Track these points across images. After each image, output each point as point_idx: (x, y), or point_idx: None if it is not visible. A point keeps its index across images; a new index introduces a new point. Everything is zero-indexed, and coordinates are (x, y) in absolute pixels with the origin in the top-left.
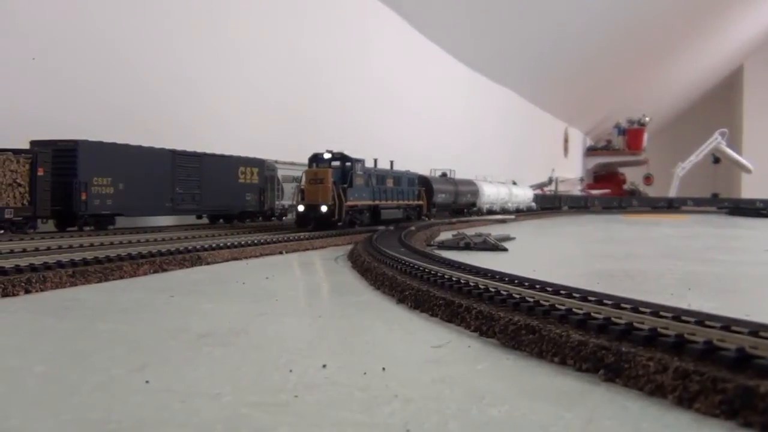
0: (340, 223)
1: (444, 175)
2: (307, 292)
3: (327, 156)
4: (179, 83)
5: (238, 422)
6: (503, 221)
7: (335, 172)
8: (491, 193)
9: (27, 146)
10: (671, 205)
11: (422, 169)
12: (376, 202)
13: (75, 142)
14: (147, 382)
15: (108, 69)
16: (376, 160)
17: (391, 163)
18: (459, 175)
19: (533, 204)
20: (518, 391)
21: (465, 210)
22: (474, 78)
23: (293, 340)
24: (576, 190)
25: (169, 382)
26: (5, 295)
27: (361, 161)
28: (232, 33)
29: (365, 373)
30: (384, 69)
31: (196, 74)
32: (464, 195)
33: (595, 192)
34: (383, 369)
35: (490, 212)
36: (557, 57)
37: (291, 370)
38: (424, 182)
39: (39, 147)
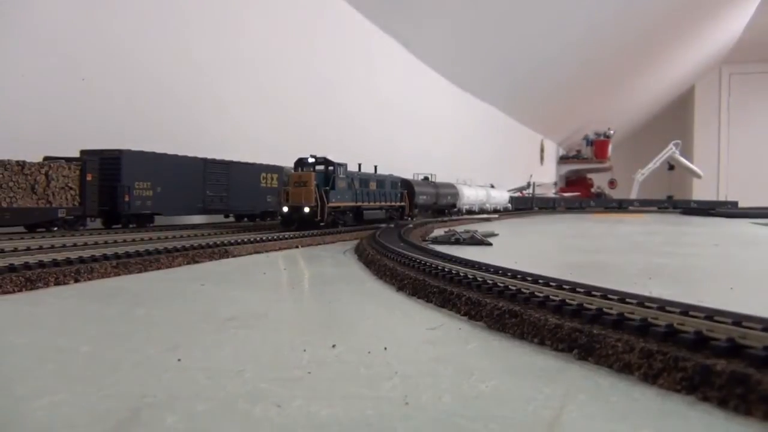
0: (322, 224)
1: (426, 178)
2: (318, 281)
3: (311, 160)
4: (207, 100)
5: (259, 396)
6: (488, 219)
7: (318, 175)
8: (470, 195)
9: (77, 155)
10: (620, 206)
11: (415, 173)
12: (359, 204)
13: (119, 151)
14: (179, 360)
15: (146, 88)
16: (360, 165)
17: (375, 167)
18: (445, 178)
19: (509, 205)
20: (503, 369)
21: (446, 210)
22: (462, 96)
23: (307, 323)
24: (551, 193)
25: (198, 360)
26: (57, 283)
27: (343, 165)
28: (253, 54)
29: (369, 353)
30: (385, 88)
31: (222, 92)
32: (444, 197)
33: (567, 195)
34: (385, 349)
35: (470, 212)
36: (534, 78)
37: (305, 350)
38: (407, 185)
39: (88, 156)
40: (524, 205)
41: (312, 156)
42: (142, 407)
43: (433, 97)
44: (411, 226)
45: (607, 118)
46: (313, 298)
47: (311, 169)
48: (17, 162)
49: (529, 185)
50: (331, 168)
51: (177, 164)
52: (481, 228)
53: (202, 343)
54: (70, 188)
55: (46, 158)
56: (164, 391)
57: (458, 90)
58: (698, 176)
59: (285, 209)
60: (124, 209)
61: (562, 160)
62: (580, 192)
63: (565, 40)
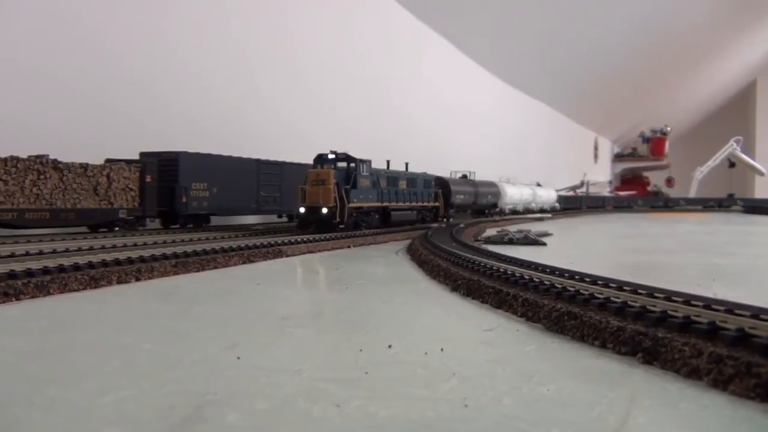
0: (342, 226)
1: (464, 176)
2: (372, 280)
3: (331, 156)
4: (260, 103)
5: (317, 395)
6: (541, 219)
7: (338, 173)
8: (514, 194)
9: (137, 157)
10: (667, 205)
11: (452, 171)
12: (385, 204)
13: (177, 154)
14: (238, 358)
15: (202, 96)
16: (388, 162)
17: (406, 164)
18: (494, 178)
19: (557, 204)
20: (564, 372)
21: (486, 211)
22: (511, 92)
23: (362, 323)
24: (605, 192)
25: (256, 359)
26: (119, 282)
27: (367, 162)
28: (304, 56)
29: (426, 353)
30: (433, 86)
31: (272, 92)
32: (484, 196)
33: (622, 193)
34: (442, 349)
35: (514, 213)
36: (587, 74)
37: (361, 350)
38: (441, 184)
39: (147, 158)
40: (573, 204)
41: (332, 152)
42: (204, 404)
43: (480, 94)
44: (462, 226)
45: (663, 115)
46: (367, 297)
47: (331, 166)
48: (80, 164)
49: (582, 184)
50: (352, 165)
51: (231, 165)
52: (533, 227)
53: (260, 341)
54: (131, 189)
55: (107, 160)
56: (225, 389)
57: (507, 86)
58: (761, 174)
59: (301, 210)
60: (182, 210)
61: (617, 158)
62: (636, 191)
63: (619, 33)
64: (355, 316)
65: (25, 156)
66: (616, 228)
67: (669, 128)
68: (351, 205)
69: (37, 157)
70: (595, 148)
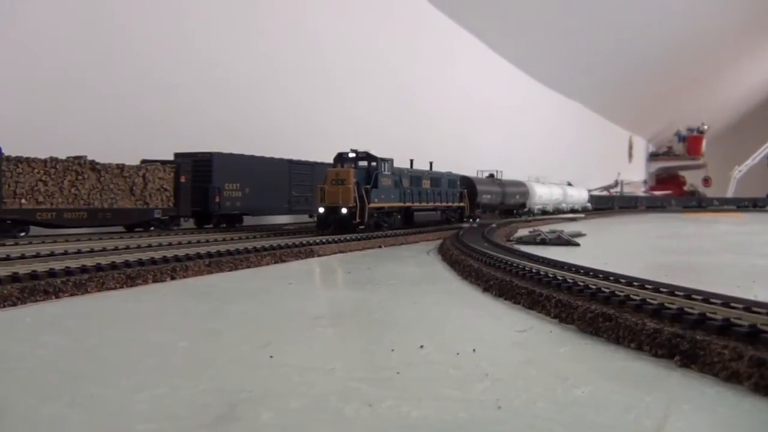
0: (362, 227)
1: (491, 176)
2: (403, 280)
3: (351, 155)
4: (283, 101)
5: (349, 394)
6: (573, 219)
7: (359, 172)
8: (543, 193)
9: (172, 158)
10: (700, 205)
11: (479, 170)
12: (408, 204)
13: (210, 154)
14: (271, 357)
15: (235, 98)
16: (412, 161)
17: (430, 164)
18: (523, 177)
19: (588, 204)
20: (599, 374)
21: (514, 211)
22: (546, 92)
23: (393, 323)
24: (640, 192)
25: (289, 357)
26: (155, 281)
27: (388, 161)
28: (332, 57)
29: (458, 354)
30: (462, 85)
31: (301, 93)
32: (512, 196)
33: (657, 193)
34: (474, 350)
35: (544, 213)
36: (622, 72)
37: (393, 350)
38: (467, 183)
39: (181, 158)
40: (605, 204)
41: (353, 150)
42: (238, 402)
43: (511, 93)
44: (494, 226)
45: (700, 113)
46: (399, 297)
47: (351, 165)
48: (117, 165)
49: (616, 183)
50: (373, 164)
51: (264, 166)
52: (566, 228)
53: (292, 340)
54: (165, 190)
55: (143, 161)
56: (259, 387)
57: (539, 85)
58: None
59: (320, 210)
60: (215, 210)
61: (652, 157)
62: (671, 190)
63: (655, 30)
64: (386, 316)
65: (64, 157)
66: (651, 228)
67: (706, 126)
68: (372, 205)
69: (76, 158)
70: (630, 147)
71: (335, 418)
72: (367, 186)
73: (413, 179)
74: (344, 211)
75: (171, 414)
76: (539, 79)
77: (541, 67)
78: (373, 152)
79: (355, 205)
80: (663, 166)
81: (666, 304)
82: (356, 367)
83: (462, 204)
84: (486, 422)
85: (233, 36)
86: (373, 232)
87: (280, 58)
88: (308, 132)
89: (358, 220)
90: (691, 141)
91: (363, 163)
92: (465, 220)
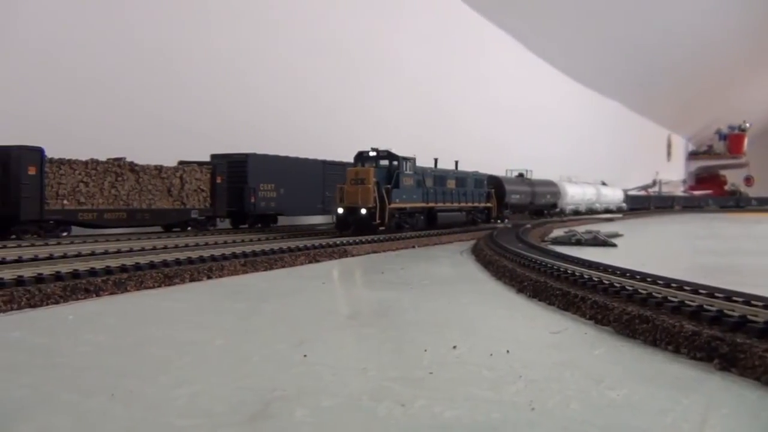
0: (382, 228)
1: (521, 175)
2: (436, 280)
3: (372, 154)
4: (318, 105)
5: (382, 394)
6: (610, 219)
7: (379, 171)
8: (575, 193)
9: (208, 159)
10: (738, 204)
11: (508, 169)
12: (431, 204)
13: (245, 155)
14: (305, 356)
15: (267, 100)
16: (436, 160)
17: (456, 163)
18: (556, 177)
19: (623, 204)
20: (635, 376)
21: (545, 211)
22: (581, 91)
23: (426, 323)
24: (679, 191)
25: (322, 356)
26: (192, 280)
27: (411, 160)
28: (362, 60)
29: (491, 355)
30: (495, 85)
31: (336, 94)
32: (542, 196)
33: (697, 193)
34: (507, 351)
35: (576, 213)
36: (661, 69)
37: (426, 350)
38: (495, 183)
39: (217, 159)
40: (641, 204)
41: (373, 149)
42: (272, 400)
43: (545, 92)
44: (529, 226)
45: (742, 110)
46: (432, 298)
47: (372, 164)
48: (155, 166)
49: (654, 183)
50: (395, 163)
51: (298, 166)
52: (602, 228)
53: (326, 339)
54: (202, 190)
55: (180, 162)
56: (292, 386)
57: (575, 83)
58: None
59: (339, 210)
60: (251, 210)
61: (692, 156)
62: (711, 190)
63: (695, 26)
64: (419, 316)
65: (104, 159)
66: (689, 228)
67: (748, 124)
68: (392, 205)
69: (115, 159)
70: (668, 146)
71: (368, 417)
72: (388, 186)
73: (437, 179)
74: (363, 211)
75: (208, 410)
76: (575, 77)
77: (577, 64)
78: (394, 151)
79: (375, 206)
80: (703, 165)
81: (705, 306)
82: (389, 366)
83: (489, 204)
84: (519, 424)
85: (268, 43)
86: (405, 232)
87: (311, 59)
88: (338, 132)
89: (378, 221)
90: (733, 139)
91: (384, 162)
92: (492, 221)
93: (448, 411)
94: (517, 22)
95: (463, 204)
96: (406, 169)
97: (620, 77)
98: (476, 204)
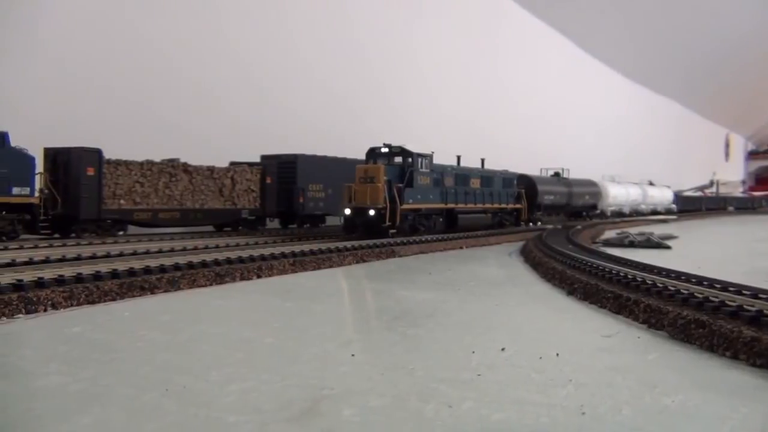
0: (393, 231)
1: (556, 174)
2: (484, 282)
3: (384, 150)
4: (369, 104)
5: (429, 395)
6: (664, 221)
7: (390, 169)
8: (618, 194)
9: (258, 160)
10: None
11: (542, 168)
12: (451, 206)
13: (295, 156)
14: (353, 355)
15: (318, 100)
16: (459, 157)
17: (482, 160)
18: (607, 177)
19: (673, 206)
20: (690, 382)
21: (584, 213)
22: (634, 88)
23: (474, 325)
24: (738, 192)
25: (370, 356)
26: (242, 279)
27: (427, 157)
28: (413, 59)
29: (540, 358)
30: (548, 86)
31: (392, 92)
32: (580, 197)
33: (757, 194)
34: (557, 354)
35: (620, 215)
36: (719, 68)
37: (473, 351)
38: (527, 183)
39: (267, 160)
40: (692, 205)
41: (386, 145)
42: (321, 398)
43: (593, 89)
44: (579, 227)
45: None
46: (480, 299)
47: (385, 162)
48: (207, 167)
49: (712, 183)
50: (409, 160)
51: (346, 167)
52: (656, 230)
53: (374, 339)
54: (252, 191)
55: (231, 163)
56: (341, 385)
57: (626, 80)
58: None
59: (347, 211)
60: (299, 210)
61: (752, 155)
62: None
63: (756, 22)
64: (467, 318)
65: (158, 160)
66: (747, 230)
67: None
68: (405, 206)
69: (170, 160)
70: (726, 146)
71: (415, 417)
72: (400, 185)
73: (458, 178)
74: (372, 212)
75: (258, 407)
76: (626, 74)
77: (629, 61)
78: (409, 147)
79: (386, 206)
80: (763, 165)
81: (765, 312)
82: (436, 367)
83: (519, 206)
84: (569, 428)
85: (321, 46)
86: (454, 233)
87: (369, 60)
88: (387, 131)
89: (388, 222)
90: None
91: (397, 159)
92: (522, 224)
93: (496, 413)
94: (567, 18)
95: (488, 205)
96: (421, 167)
97: (675, 75)
98: (504, 205)
